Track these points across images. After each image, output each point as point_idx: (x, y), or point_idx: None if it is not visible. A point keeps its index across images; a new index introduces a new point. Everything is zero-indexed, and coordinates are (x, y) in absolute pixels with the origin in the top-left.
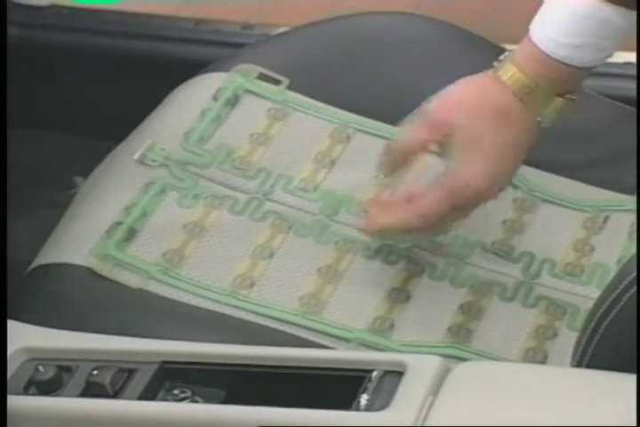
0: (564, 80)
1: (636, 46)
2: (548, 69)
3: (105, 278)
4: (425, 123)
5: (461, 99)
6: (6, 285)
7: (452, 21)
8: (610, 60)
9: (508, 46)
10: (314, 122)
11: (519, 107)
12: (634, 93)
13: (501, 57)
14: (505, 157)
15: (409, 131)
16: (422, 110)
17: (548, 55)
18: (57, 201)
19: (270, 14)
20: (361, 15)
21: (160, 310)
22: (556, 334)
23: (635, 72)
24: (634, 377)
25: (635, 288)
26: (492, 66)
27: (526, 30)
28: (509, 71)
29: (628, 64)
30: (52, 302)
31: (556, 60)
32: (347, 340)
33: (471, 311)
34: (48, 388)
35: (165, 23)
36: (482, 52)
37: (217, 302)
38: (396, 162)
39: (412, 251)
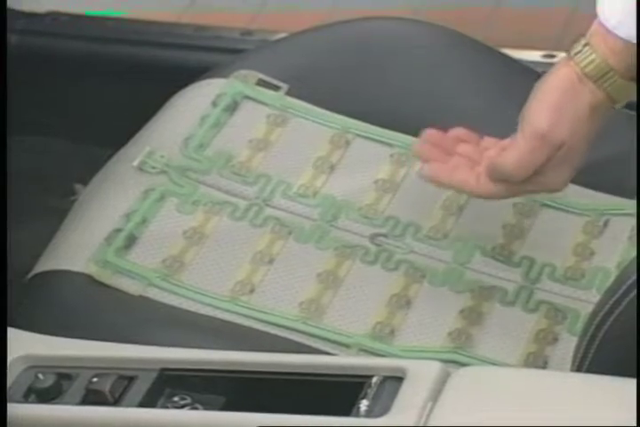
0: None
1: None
2: (628, 55)
3: (105, 285)
4: (541, 145)
5: (562, 109)
6: (6, 292)
7: (450, 26)
8: None
9: (507, 51)
10: (313, 127)
11: (606, 99)
12: (633, 97)
13: (577, 45)
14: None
15: (519, 150)
16: (532, 124)
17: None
18: (57, 208)
19: (269, 20)
20: (359, 20)
21: (160, 317)
22: (556, 339)
23: None
24: (634, 381)
25: (634, 292)
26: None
27: (522, 35)
28: (592, 62)
29: None
30: (52, 310)
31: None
32: (347, 345)
33: (471, 316)
34: (48, 396)
35: (164, 30)
36: (481, 57)
37: (217, 308)
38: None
39: (411, 256)
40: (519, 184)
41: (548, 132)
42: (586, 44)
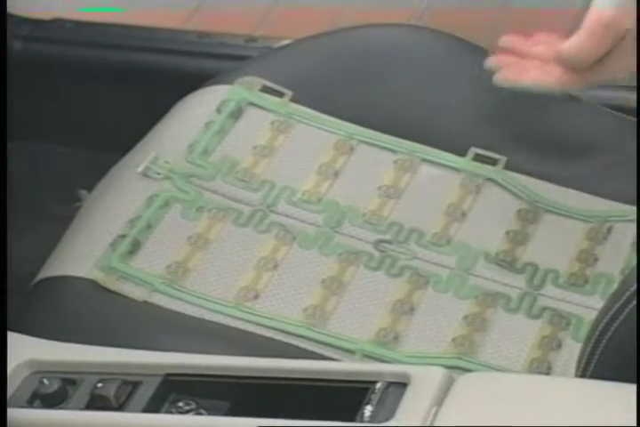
0: None
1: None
2: None
3: (109, 291)
4: (605, 33)
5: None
6: (6, 297)
7: (454, 33)
8: None
9: None
10: (317, 134)
11: None
12: (634, 104)
13: None
14: None
15: (582, 37)
16: (596, 14)
17: None
18: (62, 214)
19: (273, 27)
20: (363, 27)
21: (164, 323)
22: (560, 345)
23: (635, 83)
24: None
25: (638, 299)
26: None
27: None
28: None
29: (630, 74)
30: (57, 315)
31: None
32: (351, 351)
33: (475, 322)
34: (52, 401)
35: (169, 36)
36: (484, 64)
37: (221, 313)
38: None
39: (415, 262)
40: (583, 73)
41: (612, 22)
42: None
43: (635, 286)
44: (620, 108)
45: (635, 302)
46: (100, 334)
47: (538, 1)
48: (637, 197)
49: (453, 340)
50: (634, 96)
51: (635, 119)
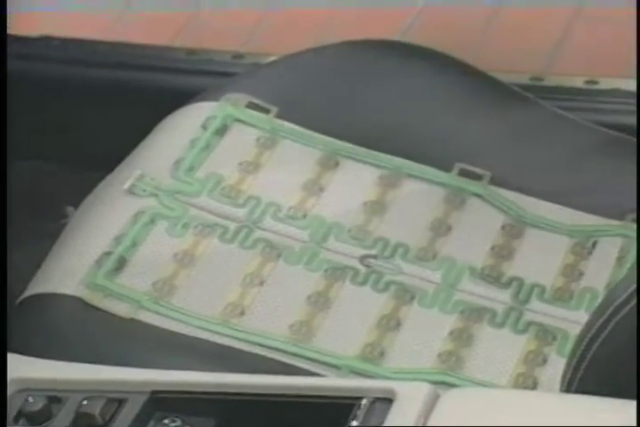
0: None
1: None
2: None
3: (95, 308)
4: None
5: None
6: (6, 317)
7: (439, 48)
8: (596, 86)
9: (495, 74)
10: (302, 150)
11: None
12: (620, 119)
13: None
14: None
15: None
16: None
17: None
18: (48, 231)
19: (260, 44)
20: (348, 43)
21: (150, 340)
22: (545, 360)
23: (619, 99)
24: (622, 402)
25: (622, 313)
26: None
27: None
28: None
29: (614, 90)
30: (42, 332)
31: None
32: (337, 367)
33: (461, 338)
34: (38, 419)
35: (156, 53)
36: (469, 80)
37: (207, 330)
38: None
39: (401, 277)
40: None
41: None
42: None
43: (619, 300)
44: (607, 125)
45: (619, 316)
46: (85, 352)
47: (532, 1)
48: (637, 202)
49: (439, 355)
50: (618, 109)
51: (619, 134)
